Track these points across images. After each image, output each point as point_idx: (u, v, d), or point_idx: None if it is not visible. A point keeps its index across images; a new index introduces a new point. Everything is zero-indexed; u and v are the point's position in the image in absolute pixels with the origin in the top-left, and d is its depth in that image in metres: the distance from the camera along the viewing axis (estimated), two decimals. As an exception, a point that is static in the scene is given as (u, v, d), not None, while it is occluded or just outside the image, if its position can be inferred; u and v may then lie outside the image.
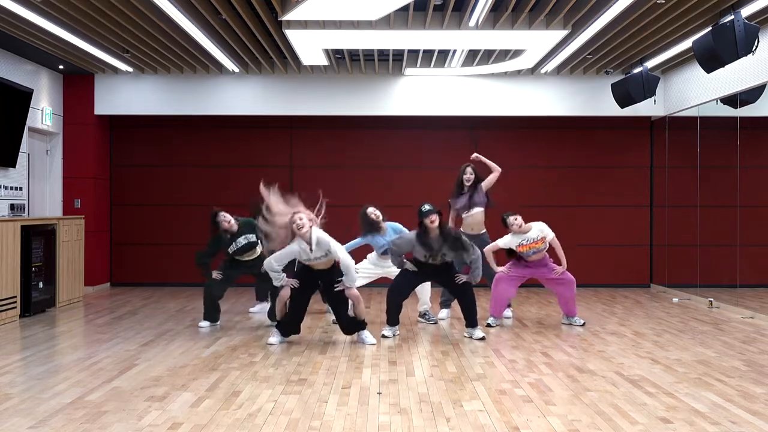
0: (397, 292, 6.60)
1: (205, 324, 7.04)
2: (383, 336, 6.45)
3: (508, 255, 7.21)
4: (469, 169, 7.55)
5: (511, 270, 7.16)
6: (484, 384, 4.80)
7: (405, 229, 7.04)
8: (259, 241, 6.99)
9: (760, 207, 9.28)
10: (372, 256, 7.31)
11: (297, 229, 5.89)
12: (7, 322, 7.23)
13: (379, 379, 4.91)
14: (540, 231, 7.03)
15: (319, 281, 6.24)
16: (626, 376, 5.01)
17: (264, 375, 5.03)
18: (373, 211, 7.07)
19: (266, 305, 7.65)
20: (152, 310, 8.17)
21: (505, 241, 7.09)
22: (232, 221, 6.94)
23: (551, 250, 7.13)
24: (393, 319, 6.57)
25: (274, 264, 6.01)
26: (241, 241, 6.96)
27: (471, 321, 6.53)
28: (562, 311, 7.35)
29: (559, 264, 7.13)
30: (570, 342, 6.35)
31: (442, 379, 4.93)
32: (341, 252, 6.02)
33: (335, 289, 6.12)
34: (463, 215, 7.53)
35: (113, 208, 10.76)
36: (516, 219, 7.00)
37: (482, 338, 6.41)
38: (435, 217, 6.21)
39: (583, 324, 7.23)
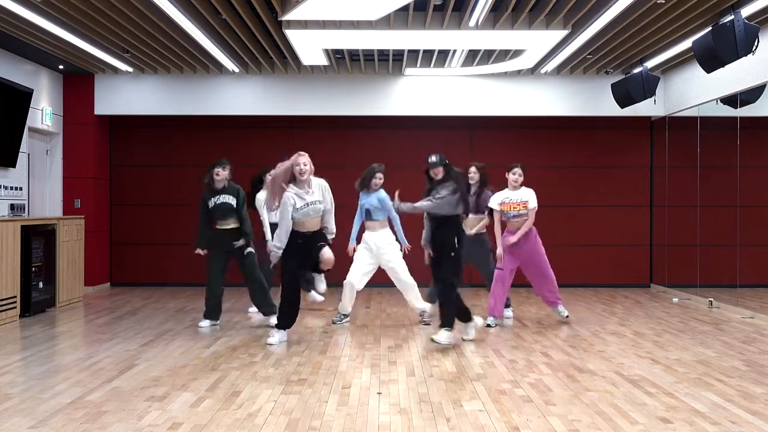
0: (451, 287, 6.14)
1: (205, 324, 7.04)
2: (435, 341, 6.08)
3: (489, 215, 7.26)
4: (473, 168, 7.55)
5: (506, 264, 7.12)
6: (484, 384, 4.80)
7: (390, 202, 6.95)
8: (237, 208, 6.98)
9: (760, 207, 9.28)
10: (364, 239, 7.19)
11: (299, 173, 5.95)
12: (7, 322, 7.23)
13: (379, 379, 4.91)
14: (527, 195, 7.02)
15: (310, 253, 6.05)
16: (626, 376, 5.01)
17: (264, 375, 5.03)
18: (380, 175, 7.10)
19: None
20: (152, 310, 8.17)
21: (493, 201, 7.14)
22: (223, 177, 6.97)
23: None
24: (449, 320, 6.12)
25: (282, 228, 5.97)
26: (221, 198, 6.95)
27: (442, 320, 6.16)
28: (544, 302, 7.40)
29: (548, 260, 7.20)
30: (570, 342, 6.35)
31: (442, 379, 4.93)
32: (331, 198, 6.19)
33: (318, 246, 6.03)
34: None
35: (113, 208, 10.76)
36: (518, 174, 7.04)
37: (440, 343, 5.97)
38: (439, 170, 6.16)
39: (567, 316, 7.31)
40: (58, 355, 5.77)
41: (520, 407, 4.23)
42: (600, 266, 10.57)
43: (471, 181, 7.42)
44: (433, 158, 6.18)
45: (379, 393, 4.55)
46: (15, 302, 7.45)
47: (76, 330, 6.99)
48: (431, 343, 6.11)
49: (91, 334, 6.77)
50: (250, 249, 7.03)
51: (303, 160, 6.00)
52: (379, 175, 7.12)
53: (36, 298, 7.78)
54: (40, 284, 7.89)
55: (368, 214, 7.15)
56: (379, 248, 7.12)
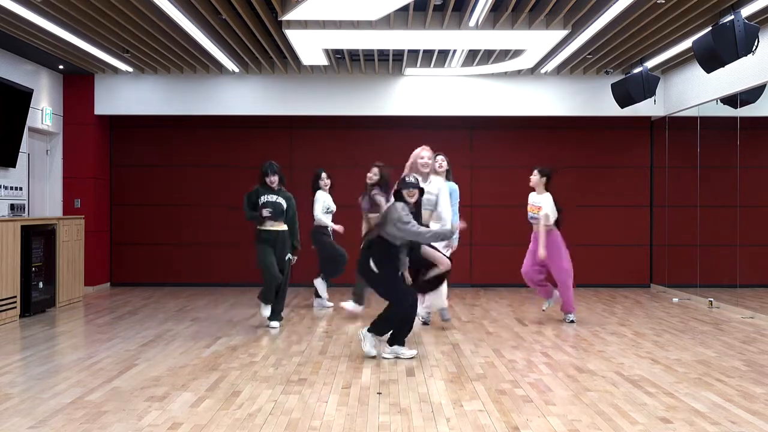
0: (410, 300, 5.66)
1: (267, 311, 6.97)
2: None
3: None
4: (375, 170, 7.55)
5: (532, 262, 7.32)
6: (484, 384, 4.80)
7: (458, 196, 6.89)
8: (285, 211, 6.95)
9: (760, 207, 9.28)
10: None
11: (421, 165, 6.03)
12: (7, 322, 7.23)
13: (379, 379, 4.91)
14: (541, 199, 7.24)
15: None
16: (626, 376, 5.01)
17: (264, 375, 5.03)
18: (441, 157, 7.01)
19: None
20: (152, 310, 8.17)
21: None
22: (275, 182, 6.97)
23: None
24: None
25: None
26: (272, 197, 6.90)
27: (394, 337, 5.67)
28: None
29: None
30: (570, 342, 6.35)
31: (442, 379, 4.93)
32: (444, 198, 6.17)
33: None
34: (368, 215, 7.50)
35: (113, 208, 10.76)
36: (534, 176, 7.34)
37: (412, 357, 5.58)
38: (414, 192, 5.59)
39: (572, 321, 7.36)
40: (58, 355, 5.77)
41: (520, 407, 4.23)
42: (600, 266, 10.57)
43: (369, 182, 7.56)
44: (412, 179, 5.64)
45: (379, 393, 4.55)
46: (15, 302, 7.45)
47: (76, 330, 6.99)
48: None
49: (91, 334, 6.77)
50: (290, 256, 7.03)
51: (425, 154, 6.13)
52: (441, 157, 7.01)
53: (36, 298, 7.78)
54: (40, 284, 7.88)
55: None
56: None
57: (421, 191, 5.66)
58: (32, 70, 9.15)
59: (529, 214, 7.35)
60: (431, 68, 9.67)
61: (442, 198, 6.16)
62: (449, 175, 7.11)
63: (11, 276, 7.37)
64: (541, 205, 7.18)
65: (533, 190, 7.39)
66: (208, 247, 10.64)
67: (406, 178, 5.63)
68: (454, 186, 7.11)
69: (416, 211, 5.65)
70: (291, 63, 9.52)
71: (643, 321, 7.53)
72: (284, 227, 7.02)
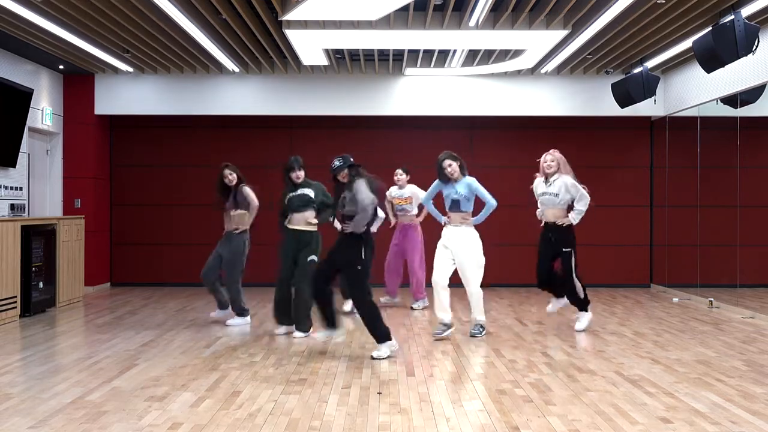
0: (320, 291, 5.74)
1: (281, 330, 6.65)
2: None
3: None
4: (227, 171, 7.27)
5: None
6: (484, 384, 4.80)
7: (480, 186, 6.53)
8: (314, 205, 6.62)
9: (760, 207, 9.28)
10: (443, 233, 6.78)
11: (546, 167, 6.70)
12: (7, 322, 7.23)
13: (379, 379, 4.92)
14: (404, 192, 8.27)
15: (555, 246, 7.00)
16: (626, 376, 5.01)
17: (264, 375, 5.03)
18: (449, 161, 6.50)
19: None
20: (152, 310, 8.18)
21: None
22: (302, 177, 6.65)
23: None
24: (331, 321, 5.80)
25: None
26: (298, 191, 6.60)
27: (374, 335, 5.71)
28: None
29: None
30: (570, 342, 6.35)
31: (442, 379, 4.93)
32: (578, 194, 6.94)
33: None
34: (231, 213, 7.29)
35: (113, 208, 10.76)
36: (401, 174, 8.39)
37: (381, 358, 5.58)
38: (345, 173, 5.76)
39: (424, 307, 8.16)
40: (58, 355, 5.77)
41: (520, 407, 4.23)
42: (600, 266, 10.56)
43: (230, 183, 7.26)
44: (337, 162, 5.75)
45: (379, 393, 4.55)
46: (15, 302, 7.45)
47: (76, 330, 6.99)
48: (373, 359, 5.61)
49: (91, 334, 6.77)
50: (313, 257, 6.51)
51: (548, 157, 6.70)
52: (448, 161, 6.49)
53: (36, 298, 7.78)
54: (40, 284, 7.88)
55: (454, 206, 6.55)
56: (456, 246, 6.51)
57: (352, 167, 5.77)
58: (32, 70, 9.16)
59: (398, 206, 8.27)
60: (431, 68, 9.67)
61: (564, 192, 6.82)
62: (463, 170, 6.73)
63: (11, 276, 7.37)
64: (410, 196, 8.21)
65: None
66: (209, 248, 10.56)
67: (333, 162, 5.92)
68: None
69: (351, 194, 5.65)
70: (291, 63, 9.53)
71: (643, 321, 7.53)
72: (312, 228, 6.55)
